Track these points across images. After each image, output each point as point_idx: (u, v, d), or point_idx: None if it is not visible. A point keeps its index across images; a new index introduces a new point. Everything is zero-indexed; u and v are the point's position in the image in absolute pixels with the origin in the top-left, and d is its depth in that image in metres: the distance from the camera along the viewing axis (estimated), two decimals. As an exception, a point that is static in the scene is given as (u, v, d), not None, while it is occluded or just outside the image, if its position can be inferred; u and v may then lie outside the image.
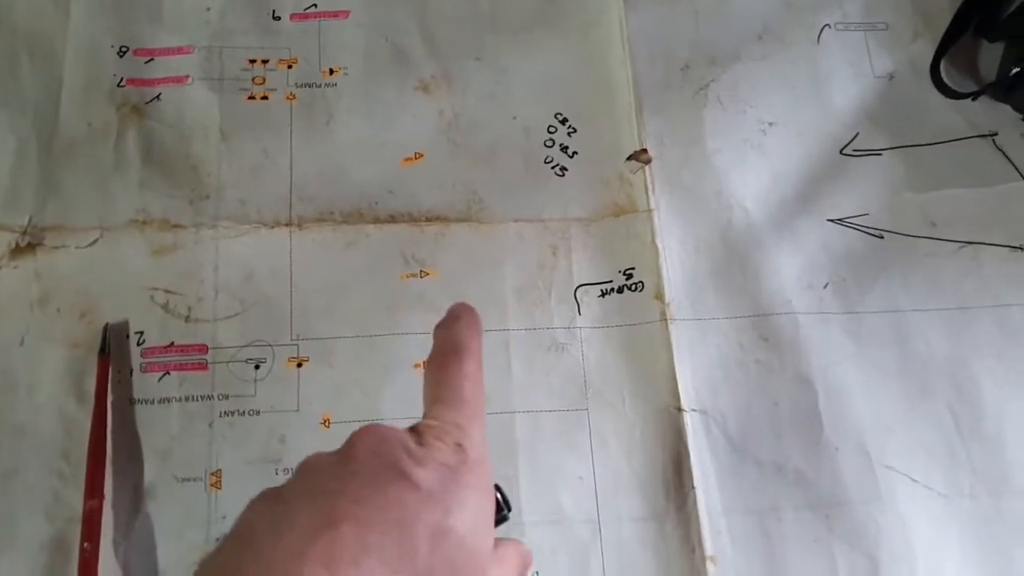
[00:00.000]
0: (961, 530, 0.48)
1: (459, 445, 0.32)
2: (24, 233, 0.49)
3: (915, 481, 0.48)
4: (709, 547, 0.46)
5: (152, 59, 0.53)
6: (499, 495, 0.34)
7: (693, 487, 0.47)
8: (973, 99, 0.55)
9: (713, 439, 0.48)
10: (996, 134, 0.56)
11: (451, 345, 0.36)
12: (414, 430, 0.33)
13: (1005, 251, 0.54)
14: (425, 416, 0.34)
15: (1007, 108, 0.56)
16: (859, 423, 0.49)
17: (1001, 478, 0.49)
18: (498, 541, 0.34)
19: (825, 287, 0.52)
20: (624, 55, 0.55)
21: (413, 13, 0.56)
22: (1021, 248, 0.54)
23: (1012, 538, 0.48)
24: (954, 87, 0.56)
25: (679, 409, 0.48)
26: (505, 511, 0.35)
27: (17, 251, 0.48)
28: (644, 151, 0.53)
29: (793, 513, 0.48)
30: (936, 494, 0.48)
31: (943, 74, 0.57)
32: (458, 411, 0.33)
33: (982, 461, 0.49)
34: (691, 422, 0.48)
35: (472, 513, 0.30)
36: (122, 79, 0.52)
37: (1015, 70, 0.54)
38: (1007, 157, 0.55)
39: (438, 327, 0.37)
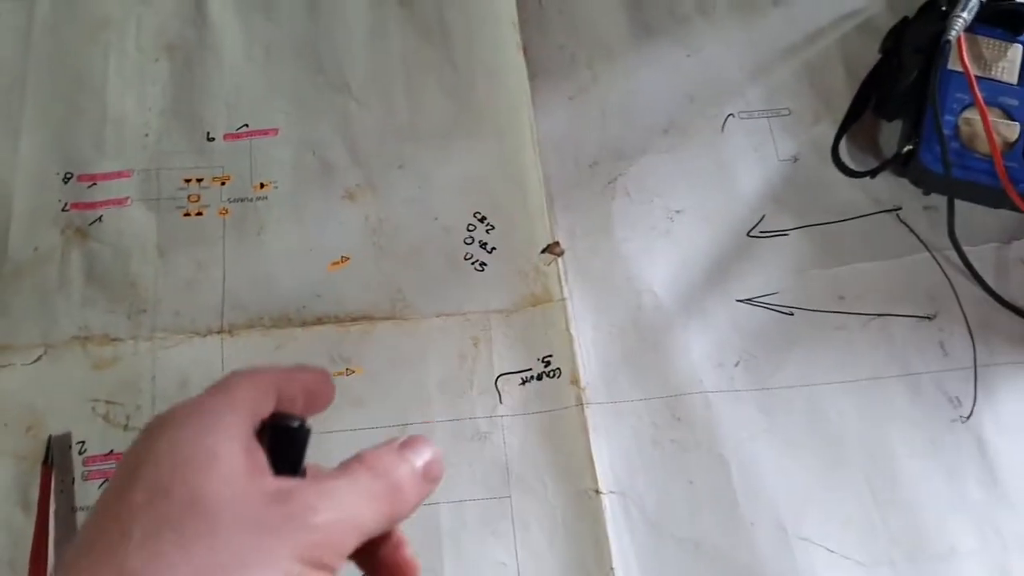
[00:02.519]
0: (879, 598, 0.49)
1: None
2: (-28, 354, 0.52)
3: (832, 552, 0.50)
4: (629, 627, 0.48)
5: (95, 183, 0.57)
6: (278, 425, 0.30)
7: (612, 568, 0.48)
8: (872, 177, 0.58)
9: (631, 519, 0.50)
10: (900, 208, 0.58)
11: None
12: None
13: (913, 321, 0.55)
14: None
15: (908, 183, 0.58)
16: (773, 497, 0.51)
17: (917, 544, 0.50)
18: (344, 467, 0.31)
19: (736, 365, 0.54)
20: (535, 156, 0.58)
21: (337, 128, 0.59)
22: (928, 317, 0.56)
23: (928, 603, 0.49)
24: (856, 166, 0.59)
25: (597, 492, 0.50)
26: (294, 424, 0.31)
27: (-34, 372, 0.52)
28: (556, 244, 0.55)
29: (711, 589, 0.49)
30: (854, 563, 0.49)
31: (845, 154, 0.59)
32: None
33: (899, 528, 0.50)
34: (609, 504, 0.50)
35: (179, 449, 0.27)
36: (66, 204, 0.56)
37: (907, 147, 0.56)
38: (911, 230, 0.58)
39: None
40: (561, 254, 0.55)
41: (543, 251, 0.56)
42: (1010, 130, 0.56)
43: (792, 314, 0.55)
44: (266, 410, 0.31)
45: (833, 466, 0.52)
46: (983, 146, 0.55)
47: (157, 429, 0.29)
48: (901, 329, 0.55)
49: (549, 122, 0.59)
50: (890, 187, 0.59)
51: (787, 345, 0.54)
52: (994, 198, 0.56)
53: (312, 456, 0.50)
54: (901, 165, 0.58)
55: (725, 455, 0.51)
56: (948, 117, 0.56)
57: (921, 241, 0.57)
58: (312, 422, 0.51)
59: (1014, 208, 0.55)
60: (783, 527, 0.50)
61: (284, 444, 0.31)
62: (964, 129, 0.56)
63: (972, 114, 0.56)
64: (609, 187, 0.58)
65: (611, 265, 0.56)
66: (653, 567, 0.49)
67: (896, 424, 0.53)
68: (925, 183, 0.58)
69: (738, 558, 0.49)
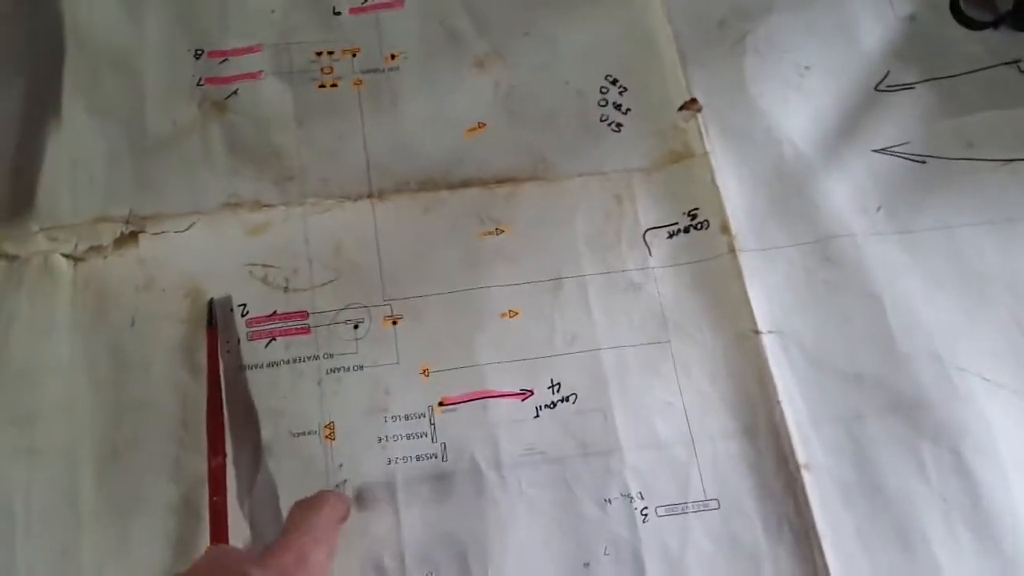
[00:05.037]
0: (1039, 423, 0.50)
1: (301, 554, 0.39)
2: (126, 223, 0.52)
3: (988, 380, 0.51)
4: (802, 455, 0.48)
5: (226, 59, 0.57)
6: None
7: (779, 401, 0.49)
8: (994, 28, 0.59)
9: (791, 356, 0.51)
10: (1020, 61, 0.59)
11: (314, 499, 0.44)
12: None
13: (1042, 164, 0.57)
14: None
15: (1025, 37, 0.60)
16: (928, 330, 0.52)
17: (1070, 372, 0.51)
18: None
19: (878, 210, 0.55)
20: (663, 16, 0.58)
21: (462, -2, 0.60)
22: (1057, 160, 0.57)
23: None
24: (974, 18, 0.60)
25: (756, 332, 0.51)
26: None
27: (121, 240, 0.51)
28: (694, 100, 0.56)
29: (877, 418, 0.50)
30: (1011, 391, 0.51)
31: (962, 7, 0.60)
32: (305, 534, 0.41)
33: (1048, 358, 0.52)
34: (769, 343, 0.51)
35: None
36: (200, 79, 0.56)
37: (1028, -2, 0.57)
38: (1032, 80, 0.59)
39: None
40: (700, 110, 0.56)
41: (680, 108, 0.56)
42: None
43: (924, 162, 0.56)
44: None
45: (979, 303, 0.53)
46: (1107, -9, 0.56)
47: None
48: (1032, 172, 0.56)
49: (674, -16, 0.60)
50: (1007, 41, 0.60)
51: (923, 191, 0.55)
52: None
53: (473, 307, 0.50)
54: (1020, 19, 0.59)
55: (878, 293, 0.52)
56: (1072, -36, 0.57)
57: (1043, 91, 0.58)
58: (473, 276, 0.51)
59: None
60: (940, 358, 0.51)
61: None
62: (1089, -24, 0.57)
63: (1095, -38, 0.57)
64: (739, 45, 0.58)
65: (749, 119, 0.56)
66: (818, 398, 0.50)
67: (1035, 261, 0.54)
68: (1047, 33, 0.59)
69: (901, 388, 0.50)
